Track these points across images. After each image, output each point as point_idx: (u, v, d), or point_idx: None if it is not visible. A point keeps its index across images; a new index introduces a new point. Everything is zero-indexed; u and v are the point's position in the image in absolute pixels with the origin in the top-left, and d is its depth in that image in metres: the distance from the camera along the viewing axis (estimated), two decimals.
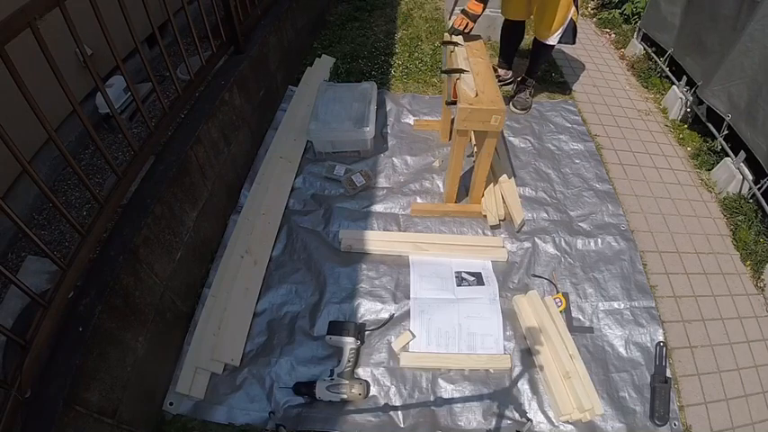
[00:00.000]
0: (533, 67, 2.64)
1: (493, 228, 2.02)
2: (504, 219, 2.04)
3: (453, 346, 1.63)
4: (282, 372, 1.56)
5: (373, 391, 1.54)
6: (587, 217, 2.11)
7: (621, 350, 1.67)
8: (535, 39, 2.47)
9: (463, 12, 2.03)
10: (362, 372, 1.58)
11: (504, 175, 2.15)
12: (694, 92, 2.56)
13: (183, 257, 1.62)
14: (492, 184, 2.12)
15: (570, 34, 2.33)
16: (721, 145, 2.39)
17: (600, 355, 1.65)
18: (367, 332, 1.66)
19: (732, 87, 2.21)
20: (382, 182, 2.24)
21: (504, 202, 2.08)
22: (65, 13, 1.12)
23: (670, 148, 2.62)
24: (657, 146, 2.62)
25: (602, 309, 1.77)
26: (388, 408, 1.51)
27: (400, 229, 2.03)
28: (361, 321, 1.69)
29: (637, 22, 3.41)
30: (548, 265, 1.91)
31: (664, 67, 2.96)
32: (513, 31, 2.63)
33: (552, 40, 2.36)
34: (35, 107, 1.03)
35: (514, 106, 2.69)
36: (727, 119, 2.25)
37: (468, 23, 2.02)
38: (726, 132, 2.33)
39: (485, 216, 2.04)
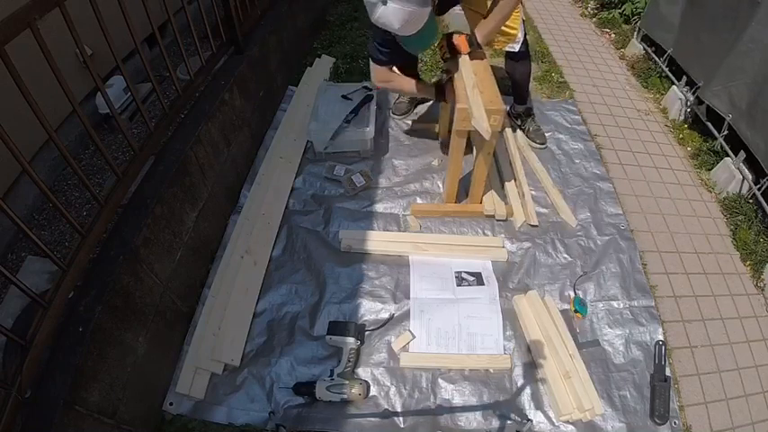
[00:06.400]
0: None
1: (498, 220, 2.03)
2: (507, 219, 2.04)
3: (453, 346, 1.63)
4: (282, 372, 1.56)
5: (373, 391, 1.54)
6: (587, 217, 2.11)
7: (621, 349, 1.66)
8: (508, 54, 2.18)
9: (451, 43, 1.84)
10: (362, 372, 1.58)
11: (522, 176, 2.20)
12: (695, 92, 2.56)
13: (183, 257, 1.62)
14: (506, 184, 2.17)
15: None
16: (721, 145, 2.39)
17: (600, 355, 1.65)
18: (367, 332, 1.66)
19: (733, 88, 2.21)
20: (382, 182, 2.24)
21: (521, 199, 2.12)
22: (65, 13, 1.12)
23: (670, 148, 2.62)
24: (657, 146, 2.62)
25: (601, 308, 1.77)
26: (387, 409, 1.50)
27: (400, 229, 2.03)
28: (361, 321, 1.69)
29: (637, 23, 3.41)
30: (548, 266, 1.91)
31: (663, 67, 2.96)
32: None
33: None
34: (35, 107, 1.03)
35: (535, 141, 2.45)
36: (728, 119, 2.25)
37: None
38: (726, 132, 2.33)
39: (486, 216, 2.04)
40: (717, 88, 2.32)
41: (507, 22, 1.93)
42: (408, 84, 2.06)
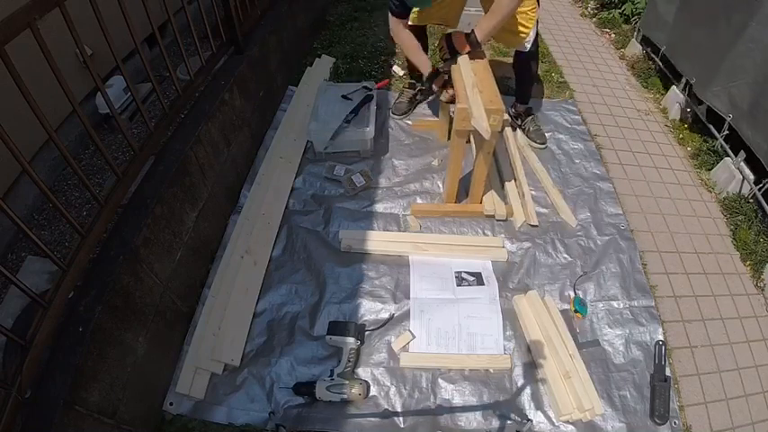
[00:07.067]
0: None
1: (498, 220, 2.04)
2: (507, 219, 2.04)
3: (453, 346, 1.63)
4: (282, 372, 1.56)
5: (373, 391, 1.54)
6: (587, 217, 2.11)
7: (621, 349, 1.66)
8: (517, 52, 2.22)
9: (449, 39, 1.87)
10: (362, 372, 1.58)
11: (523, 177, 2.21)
12: (688, 89, 2.56)
13: (183, 257, 1.62)
14: (506, 184, 2.18)
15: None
16: (721, 145, 2.39)
17: (600, 355, 1.65)
18: (367, 332, 1.66)
19: (733, 88, 2.20)
20: (382, 182, 2.24)
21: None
22: (65, 13, 1.12)
23: (670, 148, 2.62)
24: (657, 146, 2.62)
25: (601, 308, 1.77)
26: (387, 409, 1.50)
27: (400, 230, 2.03)
28: (361, 321, 1.69)
29: (637, 23, 3.41)
30: (548, 266, 1.91)
31: (662, 66, 2.96)
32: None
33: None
34: (35, 107, 1.03)
35: (535, 141, 2.45)
36: (728, 119, 2.25)
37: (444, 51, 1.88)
38: (726, 133, 2.33)
39: (486, 216, 2.04)
40: (717, 89, 2.31)
41: (522, 22, 1.94)
42: (412, 48, 2.07)
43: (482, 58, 1.87)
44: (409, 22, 2.12)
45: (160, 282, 1.47)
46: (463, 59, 1.84)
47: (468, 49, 1.81)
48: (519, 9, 1.84)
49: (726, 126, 2.30)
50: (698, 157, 2.53)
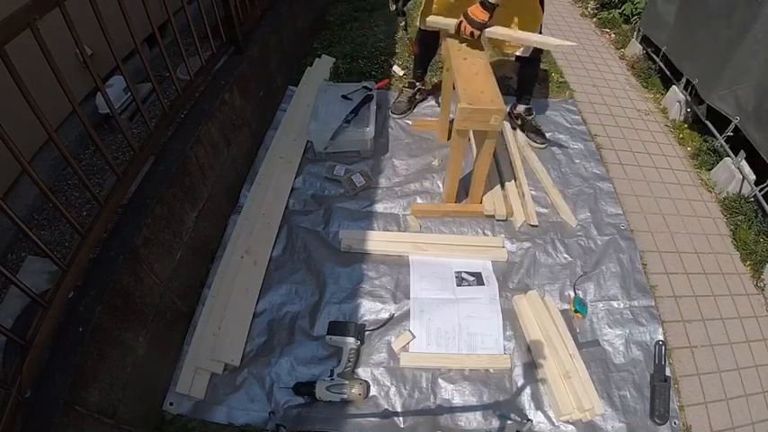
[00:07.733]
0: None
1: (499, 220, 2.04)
2: (507, 219, 2.04)
3: (453, 346, 1.63)
4: (282, 372, 1.56)
5: (373, 391, 1.54)
6: (587, 217, 2.11)
7: (621, 349, 1.66)
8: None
9: (465, 17, 1.79)
10: (362, 372, 1.58)
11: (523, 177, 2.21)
12: (691, 89, 2.56)
13: (183, 257, 1.62)
14: (506, 184, 2.18)
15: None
16: (721, 145, 2.38)
17: (600, 355, 1.65)
18: (367, 332, 1.66)
19: (739, 90, 2.19)
20: (382, 182, 2.24)
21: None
22: (65, 13, 1.12)
23: (670, 148, 2.62)
24: (657, 146, 2.62)
25: (601, 308, 1.77)
26: (387, 409, 1.50)
27: (400, 229, 2.03)
28: (361, 321, 1.69)
29: (637, 23, 3.41)
30: (548, 266, 1.91)
31: (662, 66, 2.96)
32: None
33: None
34: (35, 107, 1.03)
35: (535, 141, 2.45)
36: (735, 121, 2.23)
37: (470, 31, 1.78)
38: (729, 134, 2.32)
39: (486, 216, 2.04)
40: (723, 91, 2.29)
41: (523, 28, 1.93)
42: None
43: (482, 58, 1.87)
44: (421, 27, 2.13)
45: (160, 282, 1.47)
46: (460, 55, 1.83)
47: (486, 15, 1.71)
48: (522, 13, 1.86)
49: (731, 127, 2.29)
50: (698, 157, 2.53)
